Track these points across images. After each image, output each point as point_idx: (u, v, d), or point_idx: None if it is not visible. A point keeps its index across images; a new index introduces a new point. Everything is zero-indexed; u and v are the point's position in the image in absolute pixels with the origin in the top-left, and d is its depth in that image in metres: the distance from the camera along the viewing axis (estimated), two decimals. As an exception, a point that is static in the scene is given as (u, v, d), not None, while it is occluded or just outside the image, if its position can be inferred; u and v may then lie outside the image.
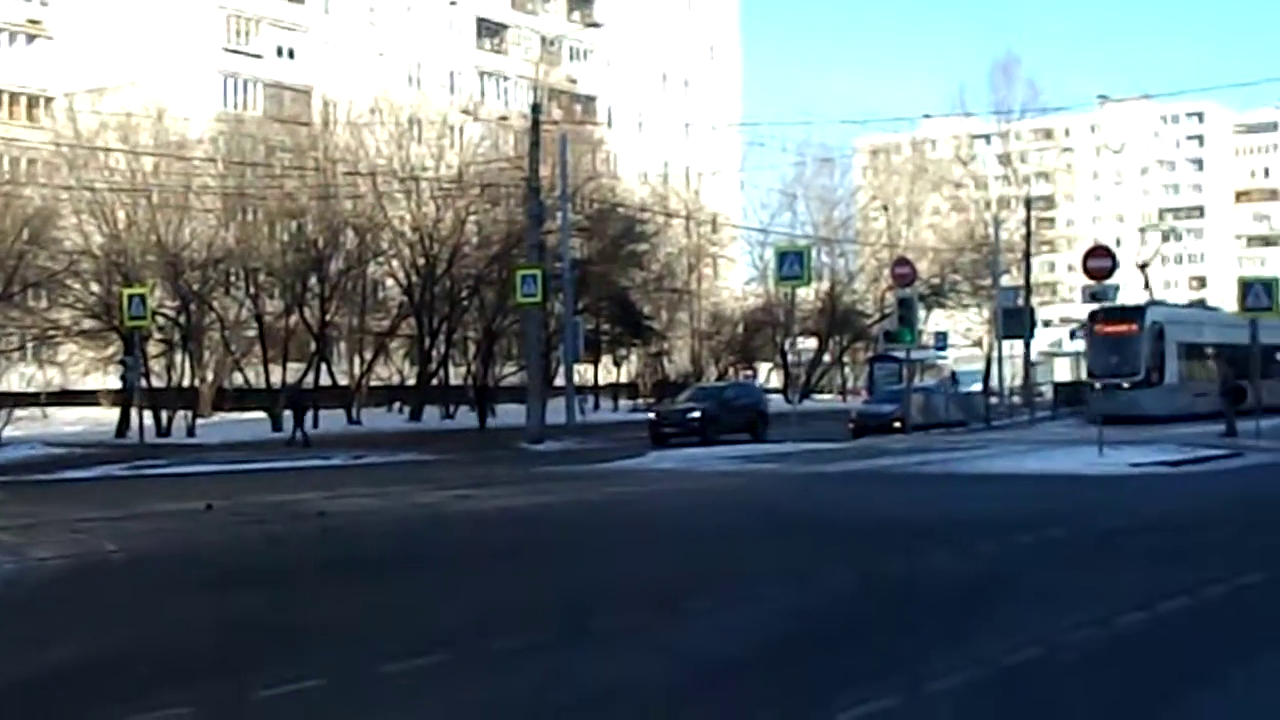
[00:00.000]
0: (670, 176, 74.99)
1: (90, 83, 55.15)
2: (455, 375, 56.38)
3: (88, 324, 46.52)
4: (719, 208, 71.78)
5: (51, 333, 47.46)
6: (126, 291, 37.91)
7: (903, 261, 40.75)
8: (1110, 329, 39.54)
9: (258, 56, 63.93)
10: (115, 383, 48.12)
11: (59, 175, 48.81)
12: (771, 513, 17.32)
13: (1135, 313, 40.30)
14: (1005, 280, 53.35)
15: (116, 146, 47.70)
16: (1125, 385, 37.52)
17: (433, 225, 51.27)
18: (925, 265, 63.27)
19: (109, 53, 58.23)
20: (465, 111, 61.35)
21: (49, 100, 59.39)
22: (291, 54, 65.49)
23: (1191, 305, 48.41)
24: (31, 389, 48.33)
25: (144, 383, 41.98)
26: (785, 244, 50.93)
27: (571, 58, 77.74)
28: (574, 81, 76.11)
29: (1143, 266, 49.47)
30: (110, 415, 46.93)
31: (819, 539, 13.96)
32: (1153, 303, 45.07)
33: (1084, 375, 45.24)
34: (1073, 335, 46.80)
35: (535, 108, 42.71)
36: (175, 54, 59.22)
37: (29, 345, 49.41)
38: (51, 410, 48.27)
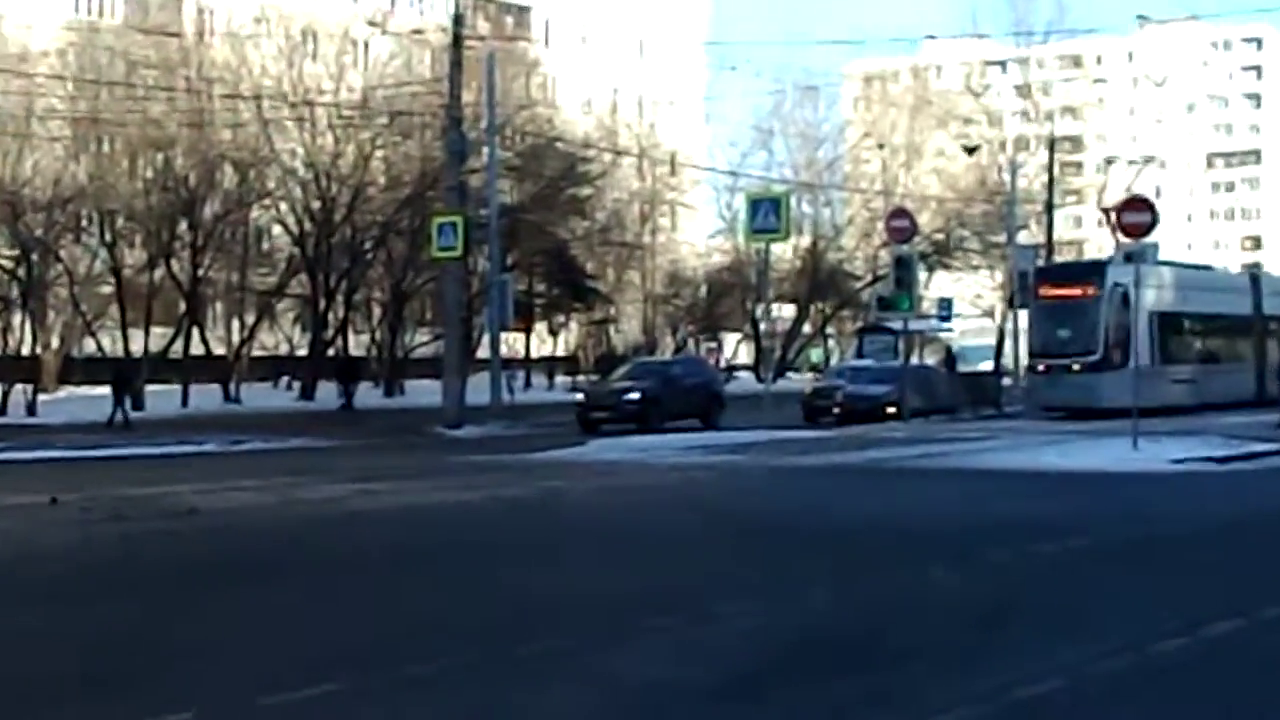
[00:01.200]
0: (620, 106, 74.95)
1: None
2: (357, 345, 56.20)
3: (-95, 276, 46.13)
4: (679, 145, 71.85)
5: None
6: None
7: (900, 213, 40.85)
8: (1058, 292, 38.04)
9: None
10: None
11: None
12: (736, 514, 17.35)
13: (1092, 271, 38.82)
14: (1023, 237, 53.66)
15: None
16: (1076, 367, 36.42)
17: (330, 161, 51.04)
18: (927, 218, 63.56)
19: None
20: (371, 23, 60.96)
21: None
22: (159, -51, 64.79)
23: (1175, 265, 45.24)
24: None
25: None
26: (759, 190, 51.08)
27: (502, -41, 77.42)
28: (504, -12, 75.83)
29: (1108, 211, 47.35)
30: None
31: (794, 546, 14.00)
32: (1115, 259, 42.68)
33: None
34: (1013, 303, 44.88)
35: (457, 19, 42.48)
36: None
37: None
38: None
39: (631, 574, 12.29)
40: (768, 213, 33.23)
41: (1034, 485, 20.15)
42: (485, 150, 41.47)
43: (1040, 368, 37.89)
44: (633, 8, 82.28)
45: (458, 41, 39.99)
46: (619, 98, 76.67)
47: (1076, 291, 37.59)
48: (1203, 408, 36.43)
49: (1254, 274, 42.81)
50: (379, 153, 52.05)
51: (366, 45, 58.81)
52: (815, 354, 73.80)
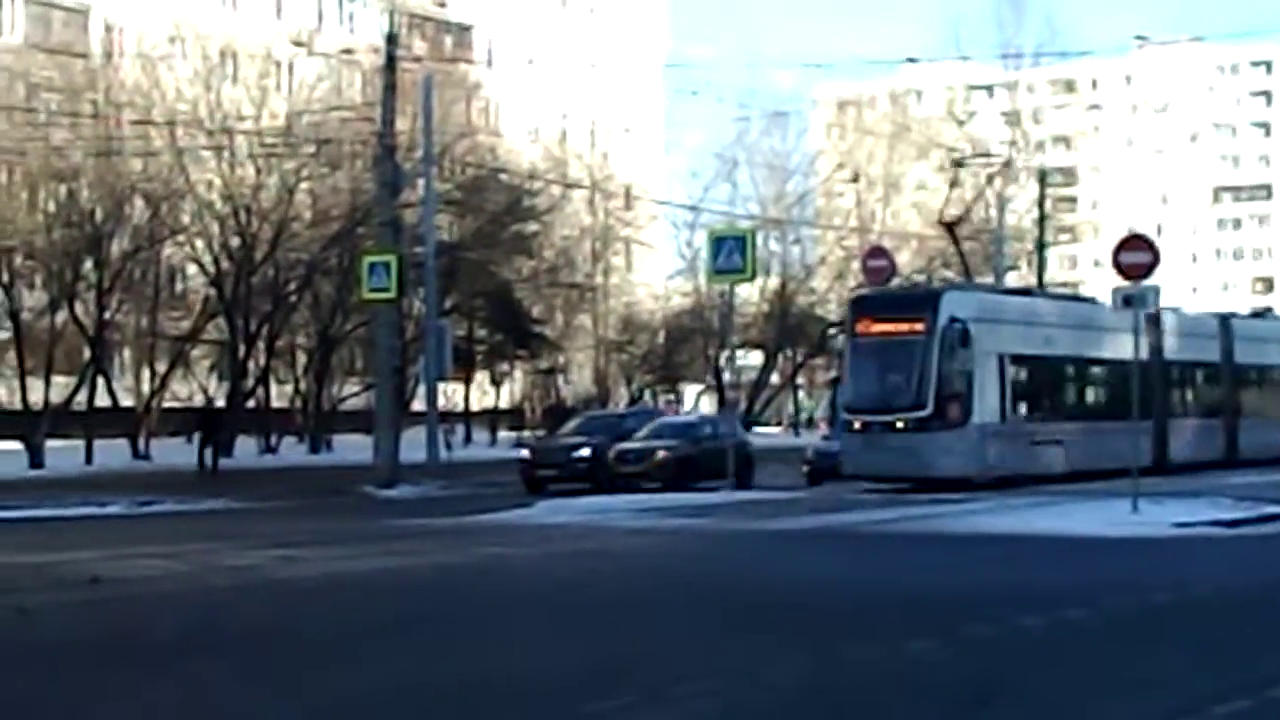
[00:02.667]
0: (570, 134, 75.17)
1: None
2: (279, 396, 56.00)
3: None
4: (634, 177, 72.12)
5: None
6: None
7: (878, 251, 41.12)
8: (879, 329, 33.55)
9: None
10: None
11: None
12: (696, 584, 17.34)
13: (921, 302, 34.24)
14: (1012, 278, 53.97)
15: None
16: (900, 424, 32.18)
17: (251, 194, 51.00)
18: (907, 257, 63.88)
19: None
20: (296, 43, 61.14)
21: None
22: (63, -39, 64.80)
23: (1039, 294, 41.46)
24: None
25: None
26: (722, 226, 51.10)
27: (441, -27, 77.67)
28: (442, 4, 76.12)
29: (951, 225, 42.65)
30: None
31: (760, 620, 13.99)
32: (953, 287, 39.07)
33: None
34: (823, 339, 42.26)
35: (390, 38, 42.53)
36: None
37: None
38: None
39: (577, 650, 12.26)
40: (732, 251, 33.28)
41: (1021, 551, 20.23)
42: (421, 182, 41.51)
43: (856, 425, 33.15)
44: (584, 27, 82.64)
45: (391, 63, 40.03)
46: (569, 124, 76.93)
47: (902, 328, 32.99)
48: (1079, 476, 32.73)
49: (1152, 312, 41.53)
50: (304, 185, 52.04)
51: (291, 67, 58.87)
52: (813, 406, 73.83)
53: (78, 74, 54.01)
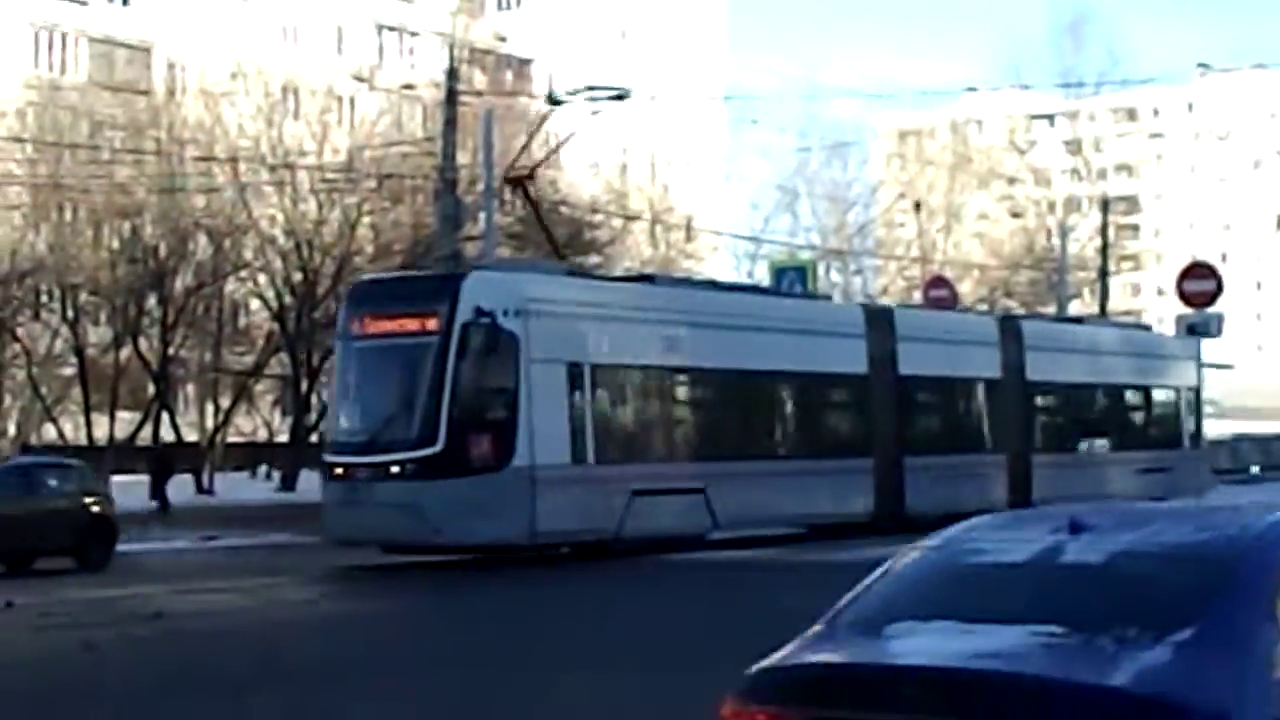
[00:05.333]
0: (631, 167, 75.25)
1: None
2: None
3: None
4: (695, 208, 72.08)
5: None
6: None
7: (939, 281, 41.06)
8: (378, 329, 25.05)
9: (80, 3, 63.85)
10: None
11: None
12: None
13: (435, 291, 25.21)
14: (1075, 307, 53.74)
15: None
16: (395, 469, 23.81)
17: (313, 229, 51.21)
18: (969, 286, 63.69)
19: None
20: (358, 78, 61.42)
21: None
22: (125, 0, 65.39)
23: (625, 280, 31.80)
24: None
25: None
26: (783, 257, 51.25)
27: (500, 6, 78.03)
28: (502, 39, 76.38)
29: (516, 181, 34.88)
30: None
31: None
32: (485, 266, 29.61)
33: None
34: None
35: (451, 73, 42.76)
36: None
37: None
38: None
39: None
40: (793, 282, 33.58)
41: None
42: (482, 215, 41.61)
43: (338, 470, 24.62)
44: (645, 60, 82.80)
45: (452, 97, 40.21)
46: (629, 157, 77.00)
47: (408, 326, 24.64)
48: (732, 543, 26.65)
49: (875, 307, 34.70)
50: (366, 219, 52.20)
51: (352, 102, 59.14)
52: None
53: (141, 111, 54.41)
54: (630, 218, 63.70)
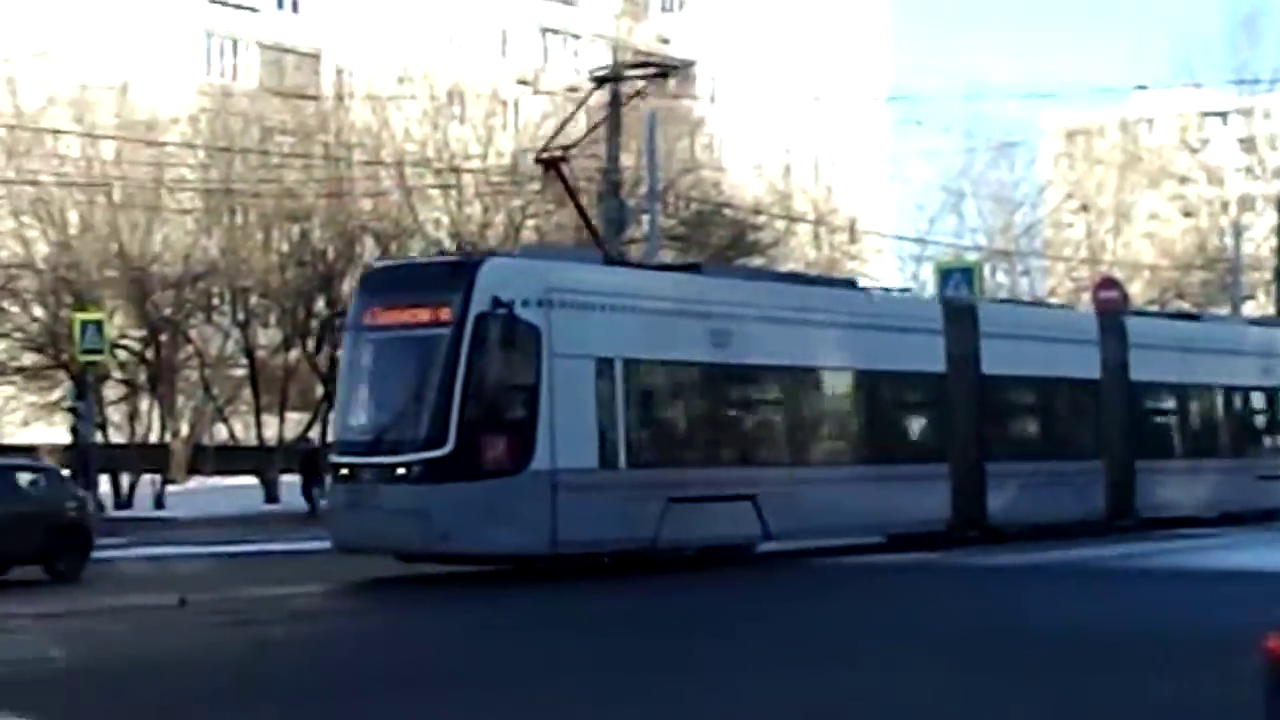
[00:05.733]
0: (794, 168, 75.05)
1: (36, 45, 56.21)
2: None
3: (28, 359, 47.28)
4: (859, 210, 71.72)
5: (-19, 370, 48.29)
6: (78, 316, 38.54)
7: (1109, 282, 40.51)
8: (389, 319, 23.58)
9: (252, 10, 64.88)
10: (63, 435, 48.84)
11: (-6, 164, 49.75)
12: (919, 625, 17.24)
13: (449, 278, 23.42)
14: (1249, 308, 52.86)
15: (68, 127, 48.56)
16: (401, 471, 22.31)
17: (479, 231, 51.59)
18: (1139, 288, 62.85)
19: (60, 7, 59.38)
20: (522, 82, 61.80)
21: (-18, 67, 60.58)
22: (295, 6, 66.38)
23: (683, 267, 31.54)
24: (-46, 443, 49.12)
25: (99, 436, 42.54)
26: (949, 258, 50.84)
27: (663, 9, 78.14)
28: (666, 41, 76.47)
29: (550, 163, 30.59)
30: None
31: (983, 663, 13.88)
32: (500, 253, 29.59)
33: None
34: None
35: (615, 76, 42.91)
36: (144, 7, 60.26)
37: (-47, 387, 50.24)
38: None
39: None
40: (959, 283, 33.23)
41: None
42: (646, 218, 41.73)
43: (344, 472, 23.41)
44: (807, 61, 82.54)
45: (615, 101, 40.34)
46: (792, 159, 76.82)
47: (420, 316, 23.15)
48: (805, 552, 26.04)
49: (957, 302, 31.74)
50: (530, 221, 52.50)
51: (517, 105, 59.52)
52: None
53: (309, 116, 55.09)
54: (793, 219, 63.53)
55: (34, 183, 47.40)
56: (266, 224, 51.71)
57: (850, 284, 34.43)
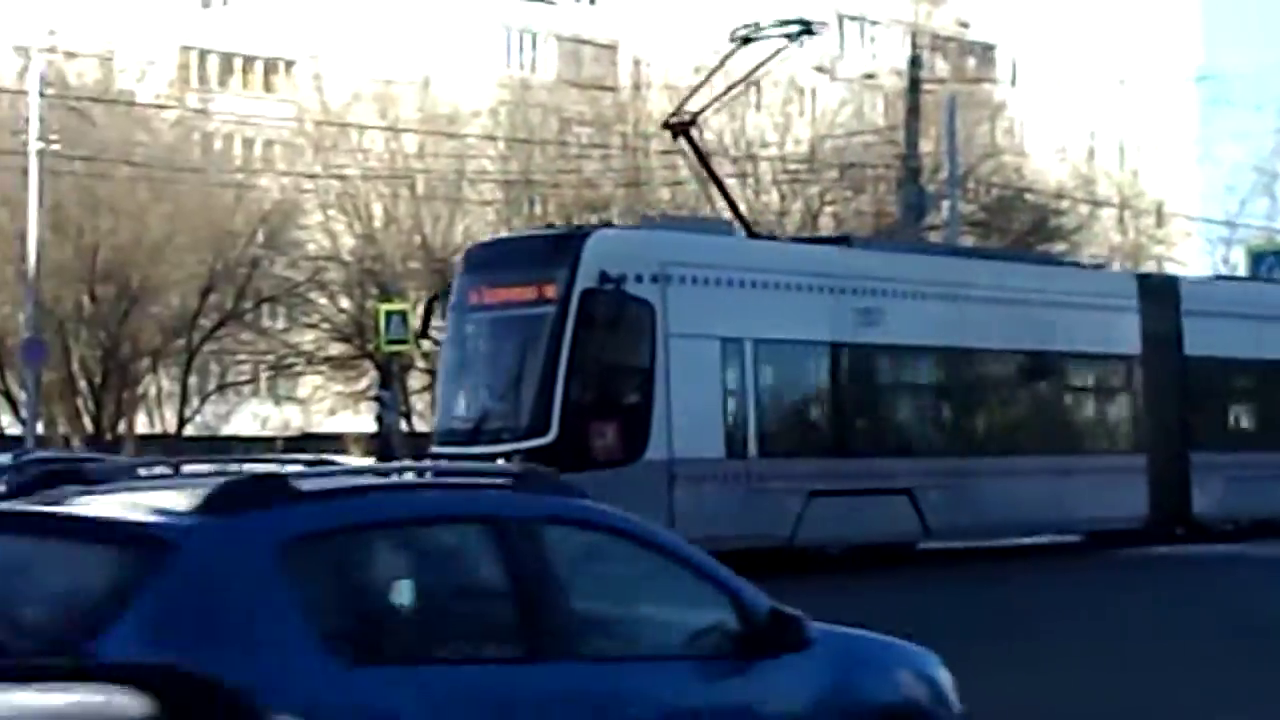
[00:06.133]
0: (1098, 151, 73.62)
1: (341, 43, 57.59)
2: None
3: (335, 349, 48.46)
4: (1166, 193, 70.07)
5: (290, 360, 49.60)
6: (384, 307, 39.32)
7: None
8: (493, 299, 21.88)
9: (550, 3, 65.65)
10: (368, 424, 49.98)
11: (301, 160, 51.08)
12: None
13: (554, 252, 21.77)
14: None
15: (372, 122, 49.65)
16: (501, 461, 18.62)
17: (776, 218, 51.52)
18: None
19: (364, 2, 60.74)
20: (819, 69, 61.48)
21: (290, 65, 62.30)
22: (593, 0, 66.98)
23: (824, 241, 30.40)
24: (266, 432, 50.57)
25: (404, 425, 43.40)
26: (1261, 241, 49.35)
27: (962, -7, 77.11)
28: (965, 26, 75.54)
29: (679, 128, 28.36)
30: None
31: None
32: (595, 226, 25.46)
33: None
34: (424, 331, 28.26)
35: (913, 61, 42.57)
36: (446, 3, 61.34)
37: (263, 376, 51.74)
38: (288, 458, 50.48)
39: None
40: (1273, 267, 32.16)
41: None
42: (945, 204, 41.30)
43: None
44: (1111, 41, 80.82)
45: (914, 86, 40.00)
46: (1096, 142, 75.33)
47: (525, 295, 21.30)
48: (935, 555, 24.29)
49: (1155, 277, 30.94)
50: (828, 208, 52.30)
51: (814, 93, 59.29)
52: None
53: (607, 107, 55.58)
54: (1097, 204, 62.33)
55: (340, 177, 48.55)
56: (566, 214, 52.18)
57: (1030, 258, 33.35)
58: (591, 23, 66.34)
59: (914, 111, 39.47)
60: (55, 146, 39.94)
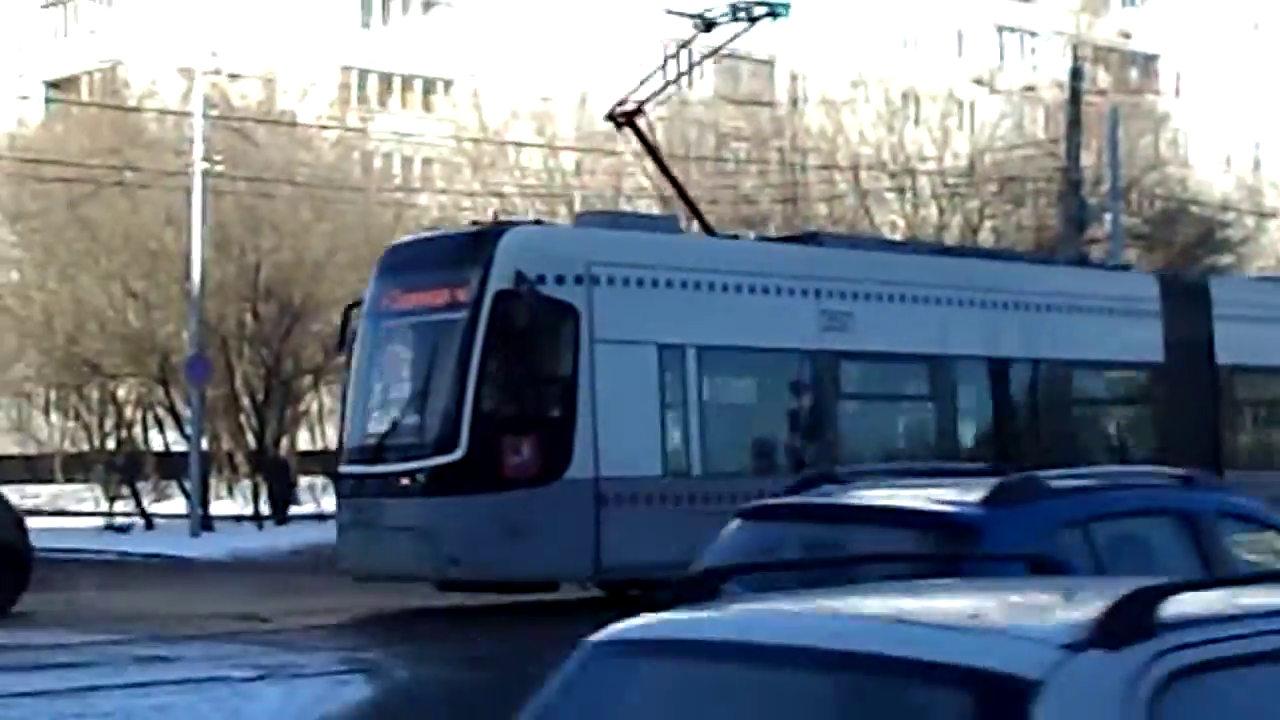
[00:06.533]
0: (1263, 162, 72.43)
1: (499, 61, 58.03)
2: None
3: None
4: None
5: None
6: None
7: None
8: (406, 302, 20.11)
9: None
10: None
11: (460, 178, 51.52)
12: None
13: (467, 251, 19.95)
14: None
15: (530, 140, 49.95)
16: (406, 480, 19.05)
17: (935, 233, 51.20)
18: None
19: (523, 21, 61.14)
20: (978, 81, 61.14)
21: (449, 84, 62.88)
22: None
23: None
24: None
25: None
26: None
27: (1124, 3, 76.27)
28: (1127, 36, 74.65)
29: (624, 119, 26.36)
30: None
31: None
32: (512, 223, 21.85)
33: None
34: (341, 345, 22.83)
35: (1075, 73, 42.09)
36: (604, 20, 61.58)
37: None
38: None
39: None
40: None
41: None
42: (1108, 217, 40.77)
43: (351, 484, 20.22)
44: (1276, 49, 79.52)
45: (1075, 97, 39.56)
46: (1262, 152, 74.09)
47: (436, 297, 19.58)
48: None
49: (1181, 277, 27.90)
50: (988, 223, 51.89)
51: (972, 106, 58.87)
52: None
53: (764, 122, 55.54)
54: (1264, 215, 61.34)
55: (498, 195, 48.81)
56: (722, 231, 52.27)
57: (1032, 258, 30.48)
58: (748, 38, 66.16)
59: (1075, 124, 39.05)
60: (219, 167, 40.49)
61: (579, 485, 18.43)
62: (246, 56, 50.53)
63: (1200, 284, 26.80)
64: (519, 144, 49.99)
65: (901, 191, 51.68)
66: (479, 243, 19.49)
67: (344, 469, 20.33)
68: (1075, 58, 49.39)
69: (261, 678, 13.94)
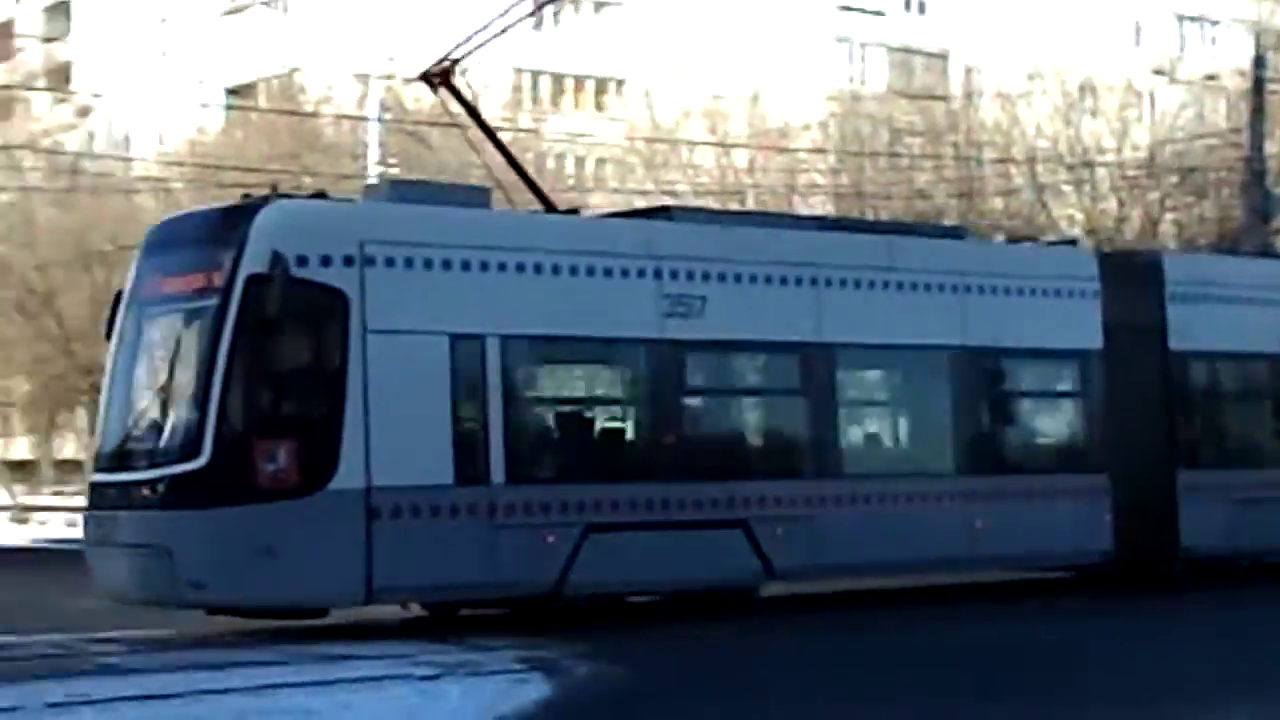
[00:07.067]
0: None
1: (670, 60, 58.13)
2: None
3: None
4: None
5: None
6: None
7: None
8: (156, 288, 17.64)
9: (879, 14, 65.38)
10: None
11: (633, 177, 51.69)
12: None
13: (221, 228, 17.36)
14: None
15: (702, 138, 49.97)
16: (146, 490, 16.73)
17: (1115, 225, 50.50)
18: None
19: (693, 20, 61.23)
20: (1158, 72, 60.19)
21: (620, 84, 63.14)
22: (922, 8, 66.51)
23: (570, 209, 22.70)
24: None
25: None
26: None
27: (1308, -11, 74.70)
28: (1311, 22, 73.17)
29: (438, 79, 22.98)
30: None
31: None
32: (282, 196, 17.97)
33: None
34: (109, 335, 18.64)
35: (1258, 61, 41.32)
36: (776, 18, 61.50)
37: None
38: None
39: None
40: None
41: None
42: (1293, 207, 40.00)
43: (95, 495, 17.74)
44: None
45: (1259, 86, 38.86)
46: None
47: (189, 282, 17.19)
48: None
49: (1126, 255, 26.16)
50: (1169, 215, 51.11)
51: (1152, 97, 57.96)
52: None
53: (939, 117, 55.12)
54: None
55: (671, 193, 48.85)
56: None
57: (936, 231, 27.14)
58: (921, 32, 65.90)
59: (1258, 112, 38.35)
60: (394, 170, 40.94)
61: (346, 496, 16.28)
62: (421, 61, 51.01)
63: (1151, 262, 24.00)
64: (691, 142, 50.04)
65: (1079, 185, 51.04)
66: (233, 220, 16.99)
67: (94, 477, 17.91)
68: (1258, 45, 48.49)
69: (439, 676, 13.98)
